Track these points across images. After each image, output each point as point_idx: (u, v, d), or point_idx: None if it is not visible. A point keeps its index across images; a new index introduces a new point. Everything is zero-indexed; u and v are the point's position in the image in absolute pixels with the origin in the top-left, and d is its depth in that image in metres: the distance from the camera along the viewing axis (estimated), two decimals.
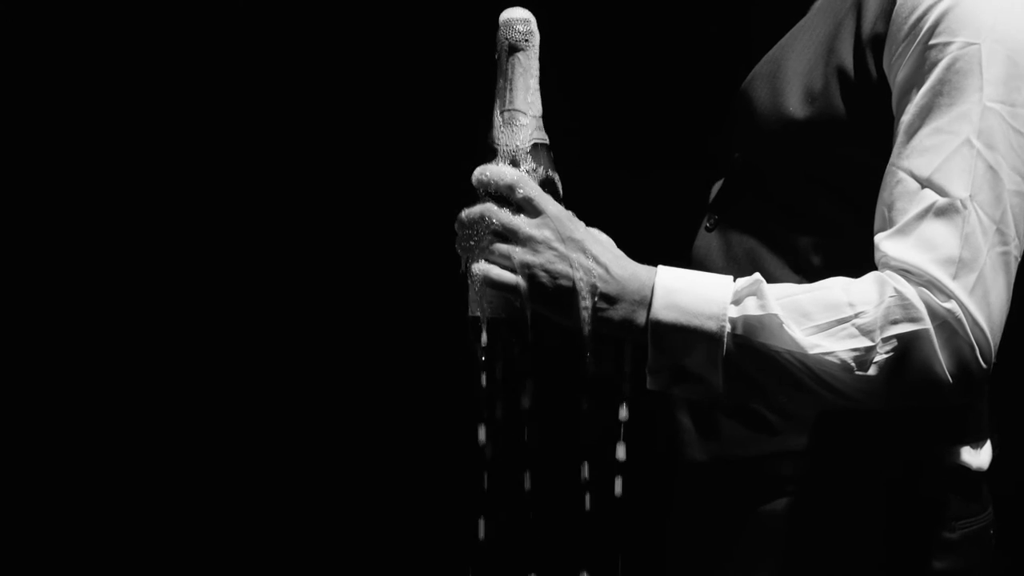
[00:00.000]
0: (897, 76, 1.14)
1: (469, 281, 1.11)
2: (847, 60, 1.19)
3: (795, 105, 1.22)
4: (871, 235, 1.14)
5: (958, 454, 1.26)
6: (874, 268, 1.12)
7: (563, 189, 1.15)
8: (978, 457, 1.28)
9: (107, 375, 2.64)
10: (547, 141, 1.14)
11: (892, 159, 1.13)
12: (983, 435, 1.29)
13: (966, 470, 1.26)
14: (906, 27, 1.13)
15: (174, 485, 2.65)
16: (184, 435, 2.66)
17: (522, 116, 1.12)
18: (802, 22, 1.30)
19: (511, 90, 1.12)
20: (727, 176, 1.37)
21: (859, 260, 1.14)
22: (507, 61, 1.12)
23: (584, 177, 1.29)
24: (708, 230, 1.35)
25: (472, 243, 1.11)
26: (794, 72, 1.24)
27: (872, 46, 1.16)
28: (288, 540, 2.69)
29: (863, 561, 1.25)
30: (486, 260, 1.10)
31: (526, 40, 1.12)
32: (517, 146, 1.12)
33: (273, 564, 2.69)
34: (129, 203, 2.62)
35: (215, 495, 2.67)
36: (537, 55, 1.13)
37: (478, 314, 1.12)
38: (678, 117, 2.39)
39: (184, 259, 2.66)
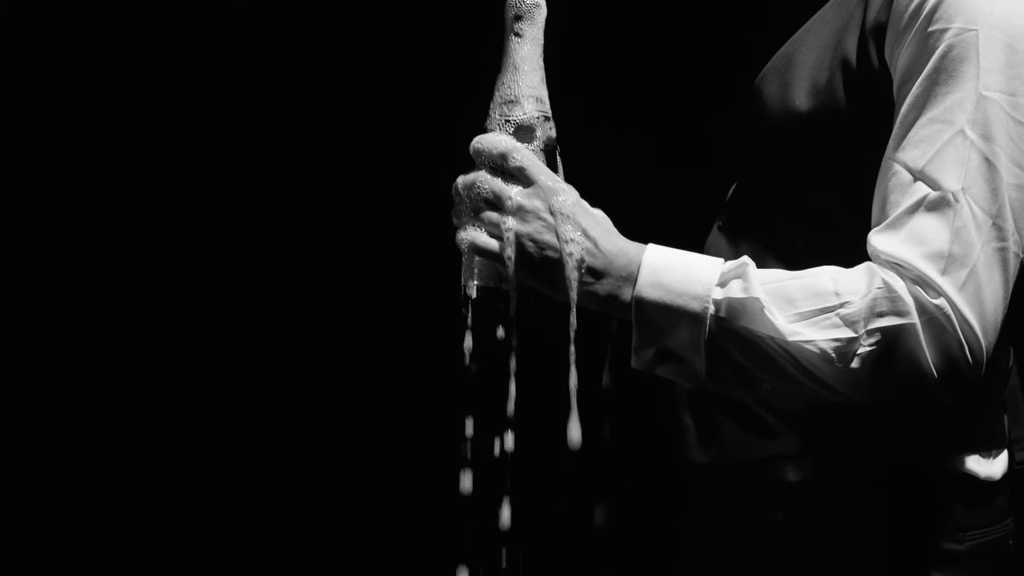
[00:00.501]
0: (897, 65, 1.12)
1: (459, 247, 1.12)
2: (852, 52, 1.17)
3: (801, 99, 1.21)
4: None
5: (963, 462, 1.22)
6: None
7: (563, 162, 1.15)
8: (988, 466, 1.23)
9: (103, 372, 2.64)
10: (549, 114, 1.14)
11: (888, 151, 1.11)
12: (996, 444, 1.24)
13: (973, 479, 1.22)
14: (907, 15, 1.11)
15: (164, 481, 2.65)
16: (171, 430, 2.66)
17: (524, 88, 1.12)
18: (816, 16, 1.29)
19: (515, 62, 1.13)
20: (739, 174, 1.36)
21: (864, 259, 1.11)
22: (512, 33, 1.13)
23: (602, 173, 1.29)
24: (720, 229, 1.34)
25: (464, 210, 1.12)
26: (804, 66, 1.23)
27: (875, 36, 1.14)
28: (279, 532, 2.69)
29: (863, 568, 1.22)
30: (475, 227, 1.11)
31: (532, 13, 1.13)
32: (518, 116, 1.12)
33: (263, 547, 2.68)
34: (127, 202, 2.63)
35: (201, 489, 2.66)
36: (542, 29, 1.14)
37: (468, 281, 1.12)
38: (704, 115, 2.32)
39: (171, 250, 2.66)
